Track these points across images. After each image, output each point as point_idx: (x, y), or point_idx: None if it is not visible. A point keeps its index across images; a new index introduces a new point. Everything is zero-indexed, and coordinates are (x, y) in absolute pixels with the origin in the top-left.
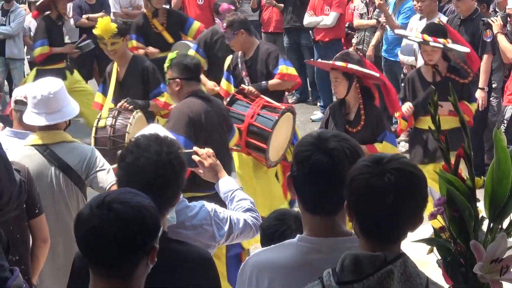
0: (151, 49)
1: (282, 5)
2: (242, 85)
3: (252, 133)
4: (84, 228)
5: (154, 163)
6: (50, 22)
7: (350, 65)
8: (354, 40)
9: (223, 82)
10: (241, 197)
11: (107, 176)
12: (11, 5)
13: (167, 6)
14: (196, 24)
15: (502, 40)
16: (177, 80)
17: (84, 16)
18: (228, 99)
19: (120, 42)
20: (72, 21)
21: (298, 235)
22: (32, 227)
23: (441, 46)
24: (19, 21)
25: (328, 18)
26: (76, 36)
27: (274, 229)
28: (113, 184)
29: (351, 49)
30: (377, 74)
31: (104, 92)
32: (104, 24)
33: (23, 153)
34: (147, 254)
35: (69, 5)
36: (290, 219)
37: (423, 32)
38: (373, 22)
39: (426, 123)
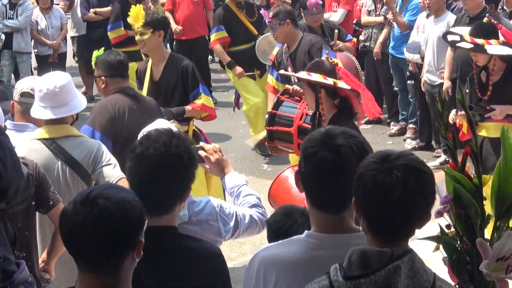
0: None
1: (290, 1)
2: (287, 85)
3: (304, 134)
4: (69, 224)
5: (162, 154)
6: (125, 4)
7: (312, 75)
8: (361, 37)
9: (269, 77)
10: (247, 192)
11: (113, 170)
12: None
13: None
14: None
15: None
16: (102, 77)
17: (91, 10)
18: (274, 102)
19: (148, 34)
20: (79, 14)
21: (306, 231)
22: (52, 218)
23: (487, 52)
24: (26, 15)
25: (336, 15)
26: (83, 29)
27: (280, 224)
28: (120, 178)
29: (324, 57)
30: (330, 82)
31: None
32: (135, 12)
33: (30, 146)
34: (133, 248)
35: None
36: (297, 213)
37: (472, 34)
38: (380, 19)
39: (480, 129)
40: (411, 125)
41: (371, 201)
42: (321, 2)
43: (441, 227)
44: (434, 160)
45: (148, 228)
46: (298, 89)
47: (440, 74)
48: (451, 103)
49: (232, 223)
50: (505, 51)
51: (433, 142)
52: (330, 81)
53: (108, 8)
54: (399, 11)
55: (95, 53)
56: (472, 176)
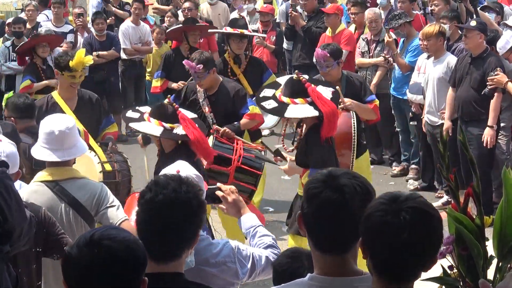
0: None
1: (273, 46)
2: (216, 126)
3: (241, 174)
4: (76, 268)
5: (172, 201)
6: (176, 55)
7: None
8: None
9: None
10: (263, 233)
11: (116, 212)
12: (21, 41)
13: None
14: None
15: (510, 87)
16: (12, 118)
17: (94, 53)
18: (212, 139)
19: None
20: None
21: (308, 274)
22: None
23: None
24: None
25: None
26: (86, 71)
27: (286, 266)
28: (123, 220)
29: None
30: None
31: None
32: None
33: (33, 189)
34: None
35: (80, 40)
36: (302, 256)
37: (282, 92)
38: (375, 60)
39: None
40: (413, 166)
41: (378, 241)
42: (328, 54)
43: (443, 268)
44: (437, 200)
45: (155, 275)
46: (229, 132)
47: (441, 114)
48: (452, 143)
49: (249, 265)
50: (304, 112)
51: (435, 183)
52: (167, 125)
53: (111, 51)
54: (400, 52)
55: (6, 96)
56: (474, 217)
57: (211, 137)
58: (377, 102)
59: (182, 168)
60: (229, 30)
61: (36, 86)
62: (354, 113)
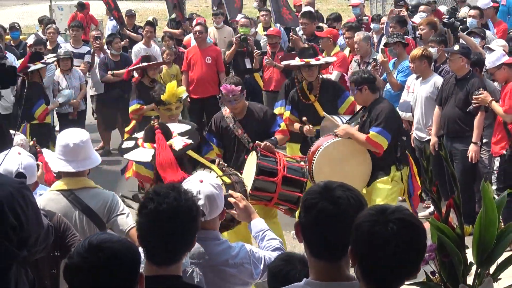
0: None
1: (282, 65)
2: (257, 141)
3: (287, 182)
4: (81, 273)
5: (175, 210)
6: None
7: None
8: None
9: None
10: (271, 236)
11: (126, 219)
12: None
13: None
14: (351, 99)
15: (495, 106)
16: None
17: (109, 72)
18: (255, 153)
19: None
20: (98, 75)
21: (304, 279)
22: None
23: None
24: (49, 75)
25: (331, 76)
26: (101, 88)
27: (279, 268)
28: (132, 226)
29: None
30: None
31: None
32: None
33: (48, 197)
34: (138, 282)
35: (96, 60)
36: (295, 260)
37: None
38: None
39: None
40: None
41: (366, 250)
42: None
43: (426, 274)
44: (424, 210)
45: (156, 277)
46: (270, 145)
47: (428, 131)
48: (439, 157)
49: (261, 266)
50: (138, 157)
51: (423, 194)
52: None
53: (125, 70)
54: (392, 71)
55: None
56: (455, 226)
57: (254, 152)
58: (370, 133)
59: (204, 177)
60: (297, 61)
61: (146, 108)
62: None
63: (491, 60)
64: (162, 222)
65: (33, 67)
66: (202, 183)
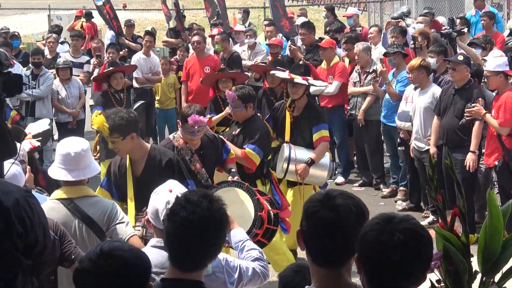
0: None
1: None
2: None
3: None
4: (92, 280)
5: (208, 219)
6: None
7: None
8: (348, 106)
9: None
10: (250, 247)
11: (126, 228)
12: (40, 70)
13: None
14: (322, 133)
15: (489, 119)
16: None
17: None
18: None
19: (119, 141)
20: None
21: (306, 286)
22: None
23: None
24: (47, 84)
25: (331, 87)
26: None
27: (290, 279)
28: (132, 235)
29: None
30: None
31: None
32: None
33: (49, 206)
34: None
35: (96, 70)
36: (306, 271)
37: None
38: (364, 89)
39: None
40: (401, 188)
41: (372, 259)
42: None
43: (432, 282)
44: (423, 220)
45: (178, 280)
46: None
47: (427, 141)
48: (437, 167)
49: (236, 275)
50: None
51: (422, 204)
52: None
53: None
54: (391, 81)
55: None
56: (460, 235)
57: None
58: (247, 150)
59: (173, 187)
60: (284, 74)
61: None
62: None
63: (494, 63)
64: (193, 230)
65: None
66: (172, 193)
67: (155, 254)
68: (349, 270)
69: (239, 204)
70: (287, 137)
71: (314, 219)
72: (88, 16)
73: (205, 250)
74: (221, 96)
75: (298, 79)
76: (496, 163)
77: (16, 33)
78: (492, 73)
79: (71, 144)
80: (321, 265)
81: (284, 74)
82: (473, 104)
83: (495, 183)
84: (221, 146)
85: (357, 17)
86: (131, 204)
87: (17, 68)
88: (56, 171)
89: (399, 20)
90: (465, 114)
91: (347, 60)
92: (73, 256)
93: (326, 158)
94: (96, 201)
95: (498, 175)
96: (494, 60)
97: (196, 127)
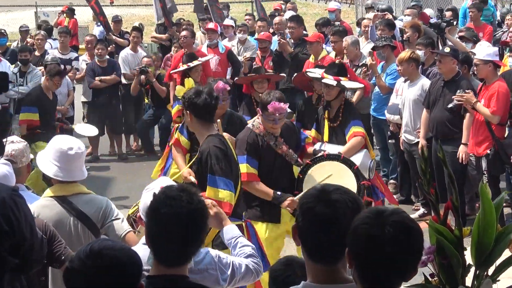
0: None
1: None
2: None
3: None
4: (82, 279)
5: (189, 213)
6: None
7: None
8: None
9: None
10: (243, 243)
11: (122, 224)
12: (27, 68)
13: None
14: (352, 129)
15: (480, 108)
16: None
17: (97, 78)
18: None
19: None
20: (86, 83)
21: (302, 282)
22: None
23: None
24: (35, 81)
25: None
26: (90, 96)
27: (279, 272)
28: (128, 232)
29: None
30: None
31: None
32: None
33: (42, 203)
34: None
35: (84, 67)
36: (297, 265)
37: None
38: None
39: None
40: (391, 181)
41: (363, 252)
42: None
43: (425, 276)
44: (413, 213)
45: (164, 277)
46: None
47: (417, 133)
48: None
49: (229, 272)
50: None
51: (412, 196)
52: None
53: (112, 76)
54: (380, 75)
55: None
56: (453, 228)
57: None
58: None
59: (165, 184)
60: (317, 73)
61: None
62: None
63: (484, 51)
64: (175, 225)
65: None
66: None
67: (146, 251)
68: (345, 265)
69: (339, 176)
70: (325, 137)
71: (310, 215)
72: (71, 11)
73: (189, 245)
74: (255, 98)
75: (328, 79)
76: (488, 151)
77: (2, 31)
78: (481, 61)
79: (71, 143)
80: (317, 261)
81: (317, 74)
82: (467, 91)
83: (485, 172)
84: (298, 130)
85: (339, 11)
86: None
87: (5, 65)
88: (49, 167)
89: (386, 13)
90: (454, 97)
91: (333, 53)
92: (63, 257)
93: (362, 157)
94: (91, 199)
95: (489, 164)
96: (485, 49)
97: (277, 114)
